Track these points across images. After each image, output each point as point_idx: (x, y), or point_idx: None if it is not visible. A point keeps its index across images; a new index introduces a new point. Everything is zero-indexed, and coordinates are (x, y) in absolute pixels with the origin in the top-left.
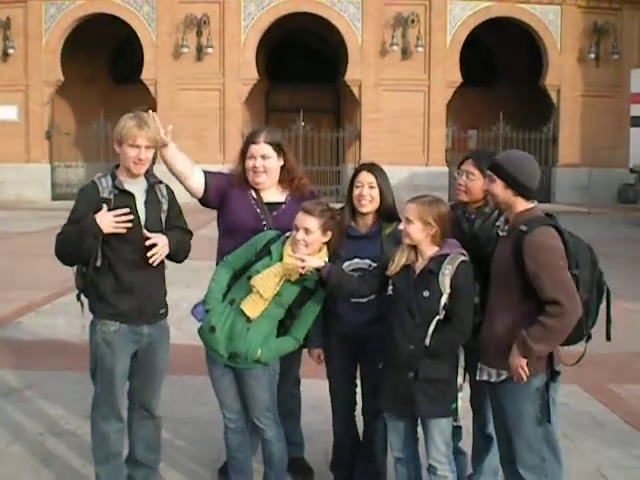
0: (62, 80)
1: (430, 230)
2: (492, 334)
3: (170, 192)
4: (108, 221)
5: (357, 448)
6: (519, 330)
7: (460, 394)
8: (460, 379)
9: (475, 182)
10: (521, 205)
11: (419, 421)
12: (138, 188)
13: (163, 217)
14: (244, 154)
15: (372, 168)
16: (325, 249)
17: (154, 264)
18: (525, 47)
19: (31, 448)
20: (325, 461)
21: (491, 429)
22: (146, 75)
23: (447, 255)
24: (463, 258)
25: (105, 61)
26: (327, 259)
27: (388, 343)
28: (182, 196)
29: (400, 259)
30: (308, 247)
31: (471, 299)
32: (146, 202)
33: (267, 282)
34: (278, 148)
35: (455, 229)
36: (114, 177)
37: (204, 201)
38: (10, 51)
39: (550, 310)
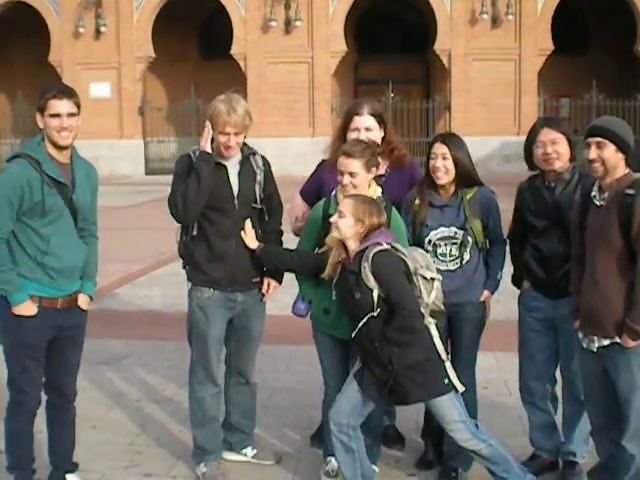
0: (153, 57)
1: (359, 228)
2: (602, 301)
3: (266, 163)
4: (205, 143)
5: None
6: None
7: (447, 364)
8: (440, 351)
9: (566, 147)
10: (622, 170)
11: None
12: (231, 160)
13: (257, 188)
14: (345, 126)
15: (445, 138)
16: (374, 185)
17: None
18: (619, 13)
19: (130, 414)
20: (415, 430)
21: (582, 396)
22: (235, 50)
23: (365, 250)
24: (378, 248)
25: (194, 37)
26: (379, 194)
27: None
28: (275, 168)
29: (333, 259)
30: (357, 188)
31: (399, 282)
32: (239, 174)
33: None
34: (380, 119)
35: (537, 199)
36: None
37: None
38: (102, 29)
39: (638, 285)
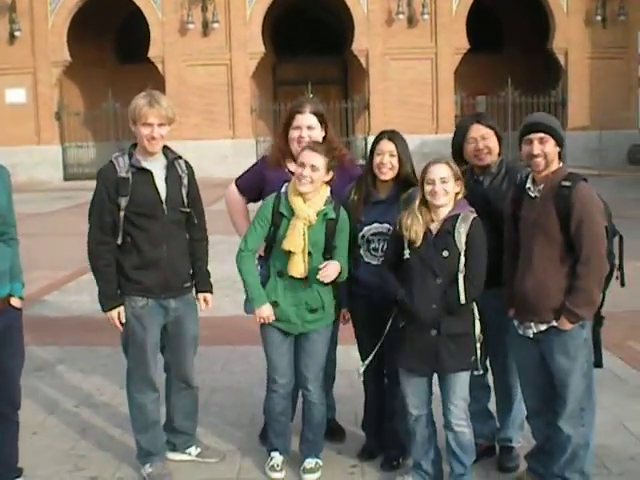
0: (69, 61)
1: (457, 188)
2: (539, 288)
3: (189, 167)
4: (112, 318)
5: (383, 409)
6: (568, 281)
7: (478, 345)
8: (477, 330)
9: (495, 142)
10: (557, 163)
11: (435, 379)
12: (156, 165)
13: (184, 192)
14: (288, 124)
15: (392, 136)
16: (326, 188)
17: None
18: (531, 10)
19: (69, 419)
20: (354, 423)
21: (514, 384)
22: (153, 53)
23: (459, 215)
24: (475, 216)
25: (111, 41)
26: (329, 193)
27: (409, 304)
28: (196, 170)
29: (417, 224)
30: (313, 183)
31: (485, 254)
32: (166, 178)
33: (296, 240)
34: (321, 119)
35: (468, 191)
36: (131, 156)
37: (249, 201)
38: (17, 33)
39: (581, 272)
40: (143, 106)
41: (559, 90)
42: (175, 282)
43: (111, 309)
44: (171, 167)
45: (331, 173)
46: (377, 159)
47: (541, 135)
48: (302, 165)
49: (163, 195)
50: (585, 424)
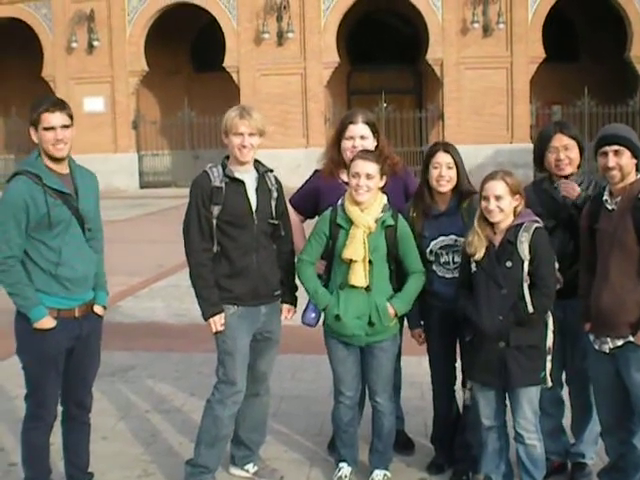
0: (146, 70)
1: (515, 201)
2: (616, 302)
3: (278, 182)
4: (215, 323)
5: (457, 422)
6: None
7: (549, 357)
8: (549, 343)
9: (577, 153)
10: (634, 175)
11: (506, 390)
12: (248, 176)
13: (273, 204)
14: (340, 135)
15: (448, 148)
16: (383, 196)
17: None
18: (609, 20)
19: (139, 425)
20: (424, 434)
21: (591, 399)
22: (228, 62)
23: (521, 224)
24: (537, 225)
25: (187, 50)
26: (385, 201)
27: (474, 316)
28: None
29: (478, 240)
30: (370, 191)
31: (552, 262)
32: (257, 189)
33: (356, 247)
34: (374, 129)
35: (546, 200)
36: (224, 166)
37: (306, 218)
38: (95, 43)
39: None
40: (234, 117)
41: (636, 99)
42: (265, 290)
43: (213, 315)
44: (261, 179)
45: (385, 178)
46: (435, 172)
47: (616, 147)
48: (357, 175)
49: (254, 205)
50: None
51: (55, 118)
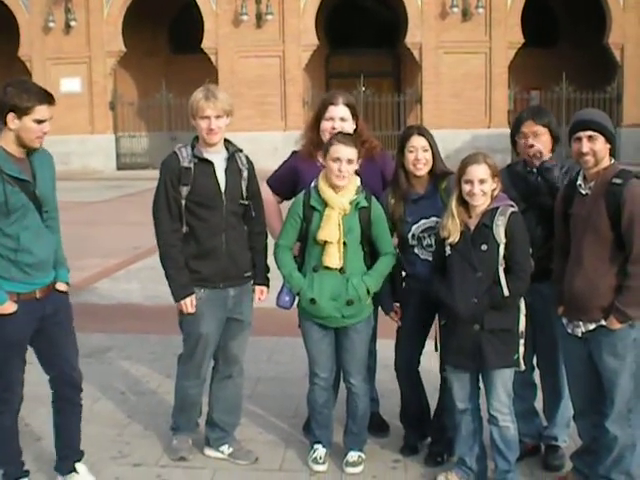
0: (124, 51)
1: (494, 185)
2: (589, 286)
3: (249, 162)
4: (187, 305)
5: (421, 404)
6: (617, 280)
7: (521, 341)
8: (522, 327)
9: (546, 139)
10: (607, 160)
11: (480, 373)
12: (218, 157)
13: (244, 185)
14: (319, 116)
15: (422, 131)
16: (356, 178)
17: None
18: (587, 5)
19: (116, 406)
20: (399, 417)
21: (562, 381)
22: (206, 44)
23: (497, 208)
24: (513, 209)
25: (165, 31)
26: (359, 183)
27: (448, 299)
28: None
29: (453, 223)
30: (348, 177)
31: (527, 246)
32: (226, 170)
33: (331, 228)
34: (353, 111)
35: (519, 183)
36: (194, 147)
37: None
38: (72, 23)
39: (632, 271)
40: (200, 100)
41: (614, 86)
42: (234, 271)
43: (184, 297)
44: (231, 159)
45: (360, 161)
46: (411, 156)
47: (590, 133)
48: (338, 160)
49: (223, 186)
50: (632, 425)
51: (49, 112)
